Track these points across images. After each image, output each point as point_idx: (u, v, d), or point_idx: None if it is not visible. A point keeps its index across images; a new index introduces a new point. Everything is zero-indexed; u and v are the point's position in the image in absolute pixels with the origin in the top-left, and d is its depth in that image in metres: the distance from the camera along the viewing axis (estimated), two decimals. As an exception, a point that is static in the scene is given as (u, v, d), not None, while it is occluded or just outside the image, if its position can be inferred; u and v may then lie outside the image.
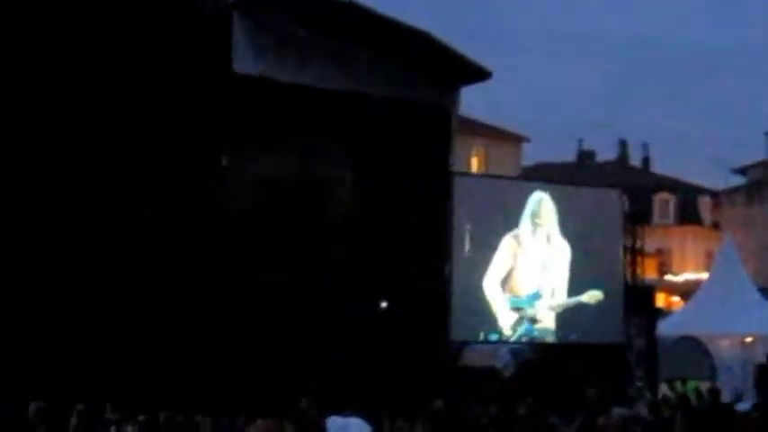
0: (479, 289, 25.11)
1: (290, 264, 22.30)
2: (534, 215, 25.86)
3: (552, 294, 26.07)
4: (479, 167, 43.89)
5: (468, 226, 25.04)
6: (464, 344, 25.58)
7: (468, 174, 33.16)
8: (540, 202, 26.02)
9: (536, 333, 25.88)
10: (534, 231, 25.96)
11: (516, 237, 25.76)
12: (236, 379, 19.80)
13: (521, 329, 25.66)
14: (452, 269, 24.89)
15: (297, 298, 22.05)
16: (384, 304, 23.89)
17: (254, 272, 21.67)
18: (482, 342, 25.42)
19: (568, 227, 26.13)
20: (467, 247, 25.08)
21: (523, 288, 25.81)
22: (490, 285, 25.31)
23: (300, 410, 14.25)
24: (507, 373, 25.60)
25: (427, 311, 23.83)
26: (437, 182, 24.88)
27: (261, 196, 22.49)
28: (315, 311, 22.04)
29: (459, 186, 25.43)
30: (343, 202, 23.84)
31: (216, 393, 17.46)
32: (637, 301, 27.08)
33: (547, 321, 26.01)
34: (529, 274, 25.89)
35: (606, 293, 26.43)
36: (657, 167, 67.33)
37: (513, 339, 25.77)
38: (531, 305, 25.87)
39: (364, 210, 23.59)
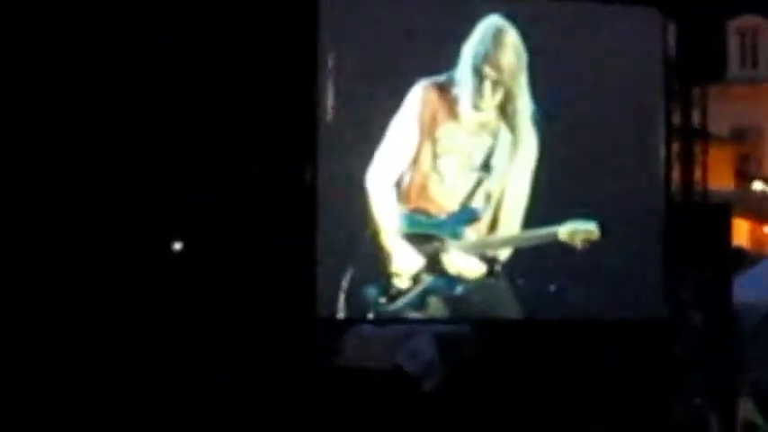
0: (359, 194, 14.18)
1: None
2: (484, 58, 14.26)
3: (495, 222, 14.68)
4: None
5: (341, 79, 13.83)
6: (346, 324, 15.23)
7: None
8: (497, 35, 14.28)
9: (460, 291, 14.57)
10: (480, 88, 14.21)
11: (440, 89, 14.17)
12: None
13: (429, 281, 14.55)
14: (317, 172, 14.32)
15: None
16: (178, 245, 15.60)
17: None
18: (361, 320, 14.64)
19: (549, 87, 14.44)
20: (338, 117, 14.03)
21: (442, 197, 14.59)
22: (376, 186, 14.36)
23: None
24: (429, 384, 15.51)
25: (273, 265, 14.63)
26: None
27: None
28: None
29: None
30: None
31: None
32: (694, 236, 16.21)
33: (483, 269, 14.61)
34: (456, 170, 14.53)
35: (625, 221, 15.15)
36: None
37: (407, 300, 14.50)
38: (454, 233, 14.58)
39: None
